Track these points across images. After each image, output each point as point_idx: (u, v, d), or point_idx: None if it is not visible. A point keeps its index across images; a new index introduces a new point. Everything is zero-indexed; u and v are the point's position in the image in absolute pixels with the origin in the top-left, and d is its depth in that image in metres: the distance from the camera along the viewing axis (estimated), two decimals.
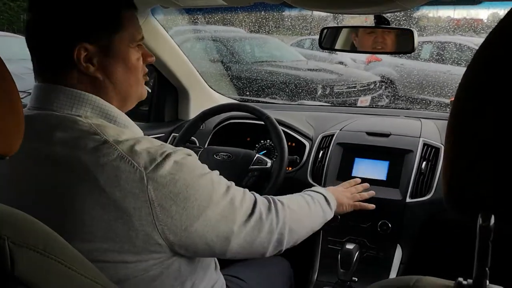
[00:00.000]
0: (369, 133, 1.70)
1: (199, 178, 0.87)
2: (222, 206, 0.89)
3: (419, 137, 1.63)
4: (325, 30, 1.50)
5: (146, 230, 0.81)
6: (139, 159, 0.81)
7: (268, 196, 1.07)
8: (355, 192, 1.45)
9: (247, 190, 1.01)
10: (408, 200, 1.51)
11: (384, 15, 1.32)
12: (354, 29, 1.53)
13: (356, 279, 1.48)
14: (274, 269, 1.55)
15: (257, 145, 1.95)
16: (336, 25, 1.52)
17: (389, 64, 6.86)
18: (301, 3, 1.16)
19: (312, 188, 1.32)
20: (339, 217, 1.58)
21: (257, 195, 1.03)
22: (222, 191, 0.91)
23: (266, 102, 2.44)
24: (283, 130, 1.70)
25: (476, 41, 6.28)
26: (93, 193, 0.79)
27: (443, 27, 7.07)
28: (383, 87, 6.58)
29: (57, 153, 0.82)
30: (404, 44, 1.41)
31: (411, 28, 1.36)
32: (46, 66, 0.91)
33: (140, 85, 1.00)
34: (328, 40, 1.52)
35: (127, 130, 0.90)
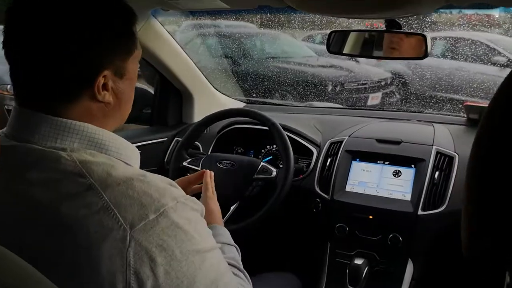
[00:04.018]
0: (379, 140, 1.62)
1: (193, 255, 0.74)
2: None
3: (432, 145, 1.55)
4: (333, 34, 1.43)
5: None
6: (126, 212, 0.69)
7: None
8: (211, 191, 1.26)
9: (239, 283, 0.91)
10: (420, 212, 1.44)
11: (396, 19, 1.24)
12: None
13: None
14: (283, 284, 1.49)
15: (262, 151, 1.88)
16: (344, 29, 1.44)
17: (401, 61, 6.72)
18: (307, 8, 1.08)
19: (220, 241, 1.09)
20: (347, 228, 1.52)
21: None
22: (209, 281, 0.77)
23: (273, 104, 2.37)
24: (289, 137, 1.63)
25: (488, 36, 6.12)
26: (69, 253, 0.69)
27: (455, 23, 6.92)
28: (394, 84, 6.47)
29: (36, 196, 0.71)
30: (416, 49, 1.33)
31: (424, 33, 1.28)
32: (46, 97, 0.77)
33: None
34: (336, 44, 1.44)
35: (120, 165, 0.78)
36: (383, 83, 6.31)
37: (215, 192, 1.24)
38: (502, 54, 5.62)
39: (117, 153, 0.81)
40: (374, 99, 6.21)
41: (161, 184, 0.76)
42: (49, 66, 0.75)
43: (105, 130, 0.81)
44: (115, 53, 0.80)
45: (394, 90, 6.40)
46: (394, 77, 6.37)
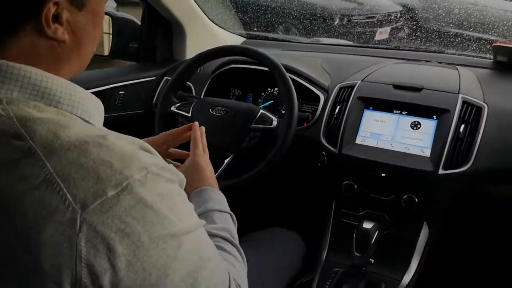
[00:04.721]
0: (396, 86, 1.40)
1: (166, 241, 0.57)
2: None
3: (458, 93, 1.34)
4: None
5: None
6: (76, 188, 0.52)
7: None
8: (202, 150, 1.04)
9: (227, 273, 0.73)
10: (441, 171, 1.25)
11: None
12: None
13: (372, 261, 1.26)
14: (284, 241, 1.34)
15: (262, 94, 1.67)
16: None
17: None
18: None
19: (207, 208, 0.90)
20: (356, 186, 1.35)
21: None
22: (186, 272, 0.60)
23: (276, 39, 2.14)
24: (293, 80, 1.42)
25: None
26: (3, 241, 0.52)
27: None
28: (405, 18, 6.10)
29: None
30: None
31: None
32: None
33: None
34: None
35: (75, 122, 0.59)
36: (392, 17, 5.96)
37: (206, 150, 1.05)
38: None
39: (72, 107, 0.61)
40: (382, 34, 5.87)
41: (127, 149, 0.57)
42: None
43: (55, 76, 0.61)
44: None
45: (404, 24, 6.05)
46: (405, 11, 6.00)
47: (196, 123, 1.07)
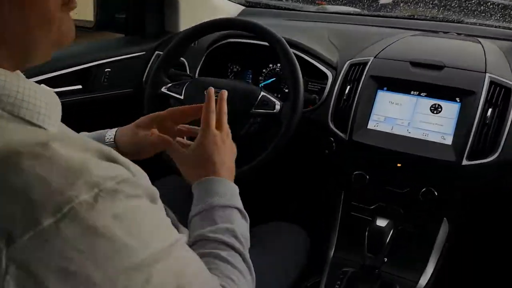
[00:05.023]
0: (414, 63, 1.25)
1: (127, 275, 0.44)
2: None
3: (485, 72, 1.18)
4: None
5: None
6: (1, 216, 0.41)
7: None
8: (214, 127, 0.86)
9: None
10: (464, 162, 1.10)
11: None
12: None
13: (386, 259, 1.14)
14: (287, 240, 1.22)
15: (264, 70, 1.52)
16: None
17: None
18: None
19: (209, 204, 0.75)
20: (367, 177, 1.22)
21: None
22: None
23: (279, 7, 1.96)
24: (298, 56, 1.27)
25: None
26: None
27: None
28: None
29: None
30: None
31: None
32: None
33: (54, 25, 0.51)
34: None
35: (11, 126, 0.46)
36: None
37: (225, 126, 0.86)
38: None
39: (13, 105, 0.47)
40: None
41: (75, 160, 0.44)
42: None
43: None
44: None
45: None
46: None
47: (211, 89, 0.87)
